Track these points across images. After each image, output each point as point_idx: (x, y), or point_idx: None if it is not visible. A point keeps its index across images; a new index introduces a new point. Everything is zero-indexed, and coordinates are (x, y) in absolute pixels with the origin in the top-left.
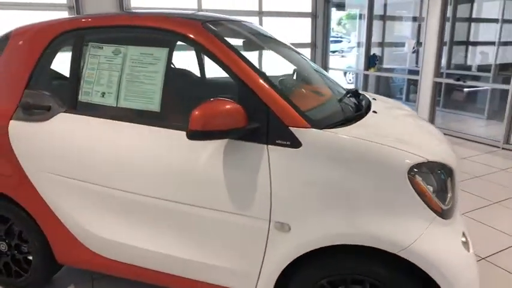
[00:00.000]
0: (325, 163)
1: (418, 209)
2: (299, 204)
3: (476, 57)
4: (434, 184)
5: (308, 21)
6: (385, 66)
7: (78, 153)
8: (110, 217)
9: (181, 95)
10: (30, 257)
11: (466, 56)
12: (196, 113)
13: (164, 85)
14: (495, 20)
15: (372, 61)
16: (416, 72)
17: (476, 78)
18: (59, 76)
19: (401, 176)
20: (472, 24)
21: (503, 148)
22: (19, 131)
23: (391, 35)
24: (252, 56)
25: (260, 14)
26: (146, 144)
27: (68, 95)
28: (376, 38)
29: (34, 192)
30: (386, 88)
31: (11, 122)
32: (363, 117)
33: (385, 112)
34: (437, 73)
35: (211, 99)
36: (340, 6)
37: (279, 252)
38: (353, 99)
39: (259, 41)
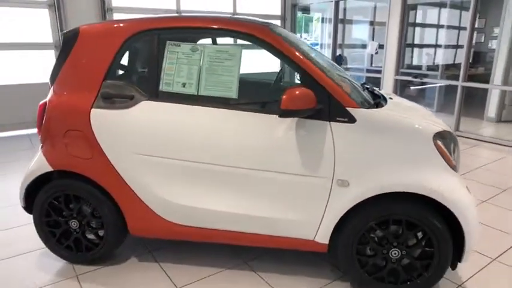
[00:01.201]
0: (375, 133)
1: (440, 163)
2: (356, 164)
3: (424, 58)
4: (446, 146)
5: (277, 23)
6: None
7: (163, 134)
8: (192, 187)
9: (254, 84)
10: (100, 232)
11: (412, 57)
12: (285, 96)
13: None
14: (441, 26)
15: (338, 61)
16: (377, 71)
17: (425, 76)
18: (133, 69)
19: (429, 140)
20: (423, 29)
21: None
22: (101, 117)
23: (349, 37)
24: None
25: (234, 15)
26: (228, 124)
27: (149, 86)
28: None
29: (113, 171)
30: None
31: (92, 110)
32: (386, 101)
33: (396, 98)
34: (398, 71)
35: (291, 87)
36: (306, 10)
37: (339, 203)
38: (368, 88)
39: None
